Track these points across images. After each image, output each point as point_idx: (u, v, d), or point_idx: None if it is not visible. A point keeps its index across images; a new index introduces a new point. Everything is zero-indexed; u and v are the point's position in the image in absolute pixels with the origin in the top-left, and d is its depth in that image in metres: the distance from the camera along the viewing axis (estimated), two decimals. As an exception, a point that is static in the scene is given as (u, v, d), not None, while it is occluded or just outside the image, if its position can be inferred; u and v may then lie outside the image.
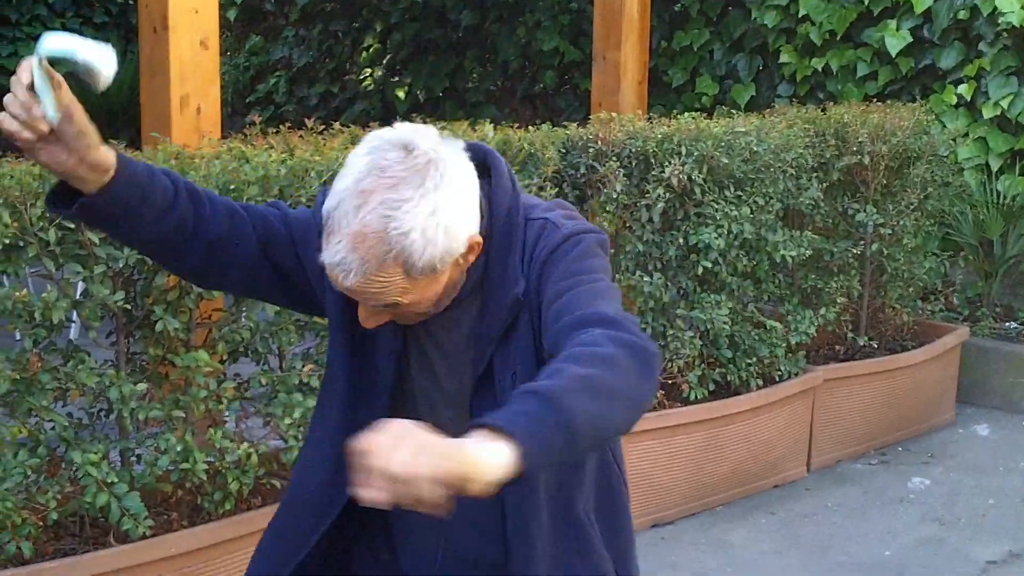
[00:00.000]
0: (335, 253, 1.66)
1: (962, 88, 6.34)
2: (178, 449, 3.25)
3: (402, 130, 1.71)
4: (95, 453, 3.12)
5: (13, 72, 1.74)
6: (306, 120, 4.01)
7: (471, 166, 1.75)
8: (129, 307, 3.29)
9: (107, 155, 1.73)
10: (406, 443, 1.36)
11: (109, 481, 3.11)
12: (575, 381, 1.50)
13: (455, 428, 1.53)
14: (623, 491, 1.99)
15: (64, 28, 9.48)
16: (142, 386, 3.26)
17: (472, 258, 1.77)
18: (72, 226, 3.09)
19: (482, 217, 1.78)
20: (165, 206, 1.80)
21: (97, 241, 3.13)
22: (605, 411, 1.52)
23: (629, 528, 2.00)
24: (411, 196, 1.65)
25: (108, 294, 3.16)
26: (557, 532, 1.87)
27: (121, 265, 3.18)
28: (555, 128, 4.58)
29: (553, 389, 1.47)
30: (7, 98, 1.68)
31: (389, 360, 1.87)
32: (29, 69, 1.68)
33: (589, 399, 1.49)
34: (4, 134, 1.70)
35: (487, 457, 1.38)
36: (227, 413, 3.48)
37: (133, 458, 3.35)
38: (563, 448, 1.46)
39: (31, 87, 1.67)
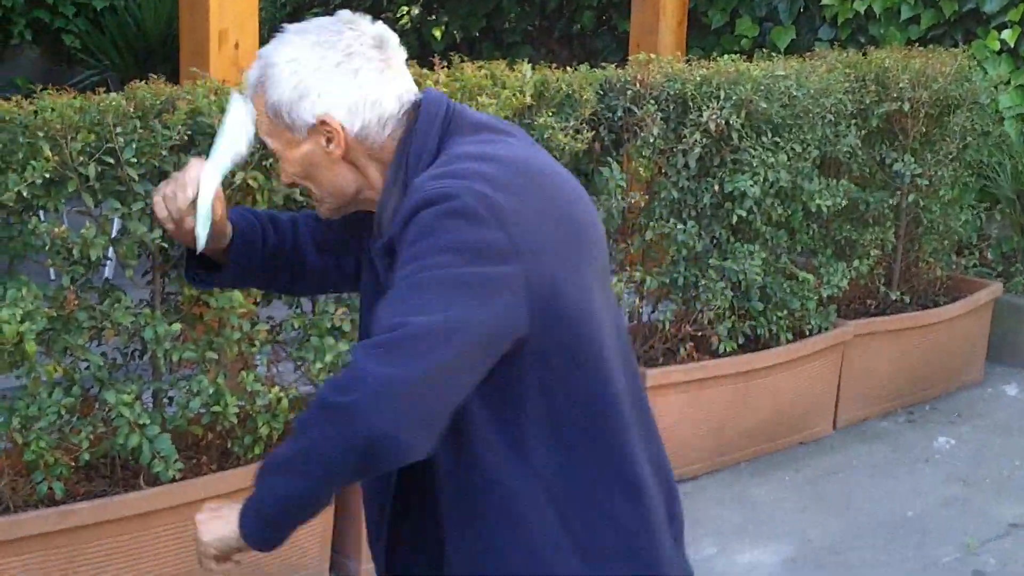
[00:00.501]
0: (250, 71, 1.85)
1: (1006, 33, 6.21)
2: (210, 391, 3.25)
3: (375, 24, 1.88)
4: (128, 394, 3.12)
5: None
6: (343, 57, 3.94)
7: (393, 75, 1.82)
8: (166, 245, 3.27)
9: (229, 230, 1.96)
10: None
11: (141, 423, 3.12)
12: (278, 462, 1.66)
13: None
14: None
15: None
16: (176, 326, 3.25)
17: (334, 149, 1.79)
18: (112, 161, 3.07)
19: (374, 138, 1.80)
20: (265, 247, 2.01)
21: (136, 177, 3.10)
22: (292, 486, 1.64)
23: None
24: (295, 41, 1.81)
25: (145, 231, 3.14)
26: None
27: (157, 204, 3.15)
28: (593, 69, 4.51)
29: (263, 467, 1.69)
30: (167, 191, 1.89)
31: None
32: (196, 183, 1.87)
33: (278, 478, 1.65)
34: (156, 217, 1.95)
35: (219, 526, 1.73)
36: (259, 356, 3.47)
37: (165, 400, 3.35)
38: (258, 526, 1.69)
39: (193, 201, 1.86)
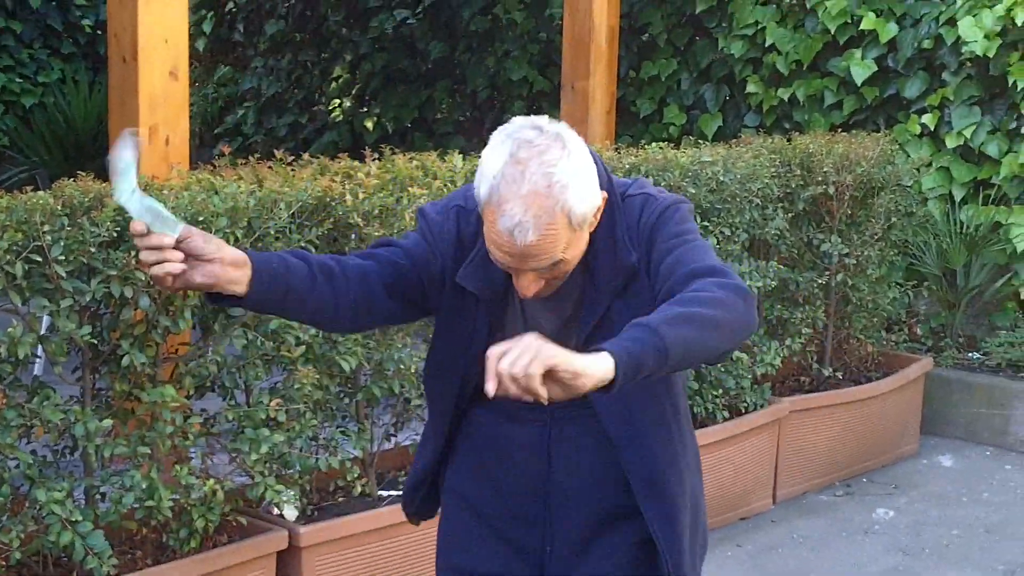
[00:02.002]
0: (512, 218, 1.95)
1: (926, 118, 6.41)
2: (143, 486, 3.23)
3: (520, 120, 2.05)
4: (59, 491, 3.10)
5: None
6: (275, 151, 4.01)
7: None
8: (95, 342, 3.28)
9: (236, 250, 1.98)
10: (526, 349, 1.74)
11: (73, 519, 3.09)
12: (674, 315, 1.88)
13: None
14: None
15: (31, 59, 9.38)
16: (108, 422, 3.24)
17: (599, 217, 2.07)
18: (39, 259, 3.08)
19: None
20: (305, 291, 2.06)
21: (64, 274, 3.11)
22: (698, 338, 1.88)
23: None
24: (560, 157, 1.98)
25: (74, 328, 3.15)
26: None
27: (88, 299, 3.17)
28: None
29: (652, 320, 1.87)
30: (142, 255, 1.92)
31: (489, 328, 2.18)
32: (137, 224, 1.89)
33: (685, 328, 1.86)
34: (160, 284, 1.93)
35: (591, 360, 1.78)
36: (193, 449, 3.46)
37: (98, 496, 3.33)
38: (655, 364, 1.84)
39: (147, 231, 1.88)
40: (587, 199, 2.01)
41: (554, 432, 2.21)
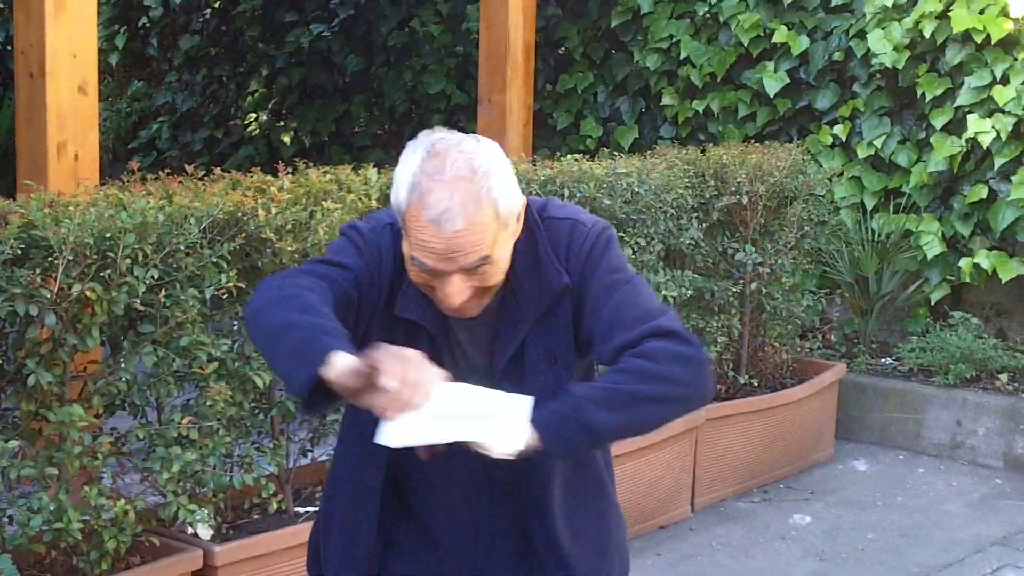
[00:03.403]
0: (437, 204, 1.87)
1: (837, 128, 6.52)
2: (51, 508, 3.16)
3: (428, 130, 1.99)
4: (-36, 514, 3.03)
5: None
6: (187, 166, 3.96)
7: None
8: (0, 361, 3.21)
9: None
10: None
11: (-21, 543, 3.03)
12: (611, 392, 1.88)
13: None
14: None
15: None
16: (14, 443, 3.17)
17: (518, 228, 1.99)
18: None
19: None
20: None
21: (-34, 295, 3.05)
22: (630, 419, 1.88)
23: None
24: (477, 148, 1.93)
25: (-22, 349, 3.09)
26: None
27: (-9, 319, 3.11)
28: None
29: (587, 396, 1.88)
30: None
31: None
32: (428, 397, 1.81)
33: (616, 410, 1.86)
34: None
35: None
36: (103, 469, 3.40)
37: (5, 519, 3.25)
38: (581, 443, 1.88)
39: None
40: (510, 195, 1.94)
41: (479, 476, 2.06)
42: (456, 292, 1.93)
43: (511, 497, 2.07)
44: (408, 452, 1.94)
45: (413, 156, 1.93)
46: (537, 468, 2.03)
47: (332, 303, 1.94)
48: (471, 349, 2.06)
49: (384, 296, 2.03)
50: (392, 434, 1.82)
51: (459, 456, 1.94)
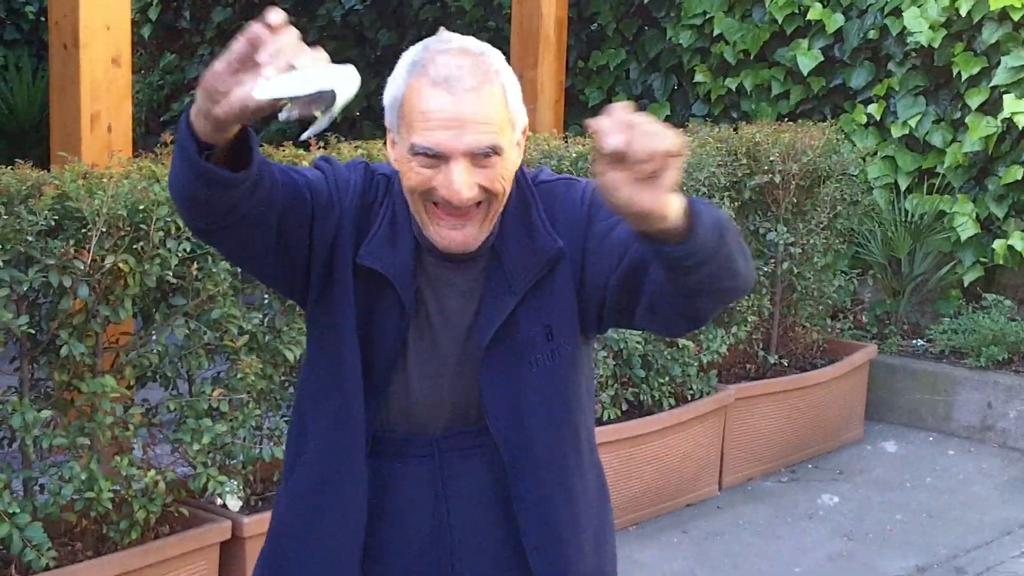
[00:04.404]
0: (445, 66, 1.73)
1: (872, 107, 6.46)
2: (83, 477, 3.20)
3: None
4: (-3, 482, 3.06)
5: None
6: (218, 140, 3.96)
7: None
8: (33, 331, 3.24)
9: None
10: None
11: (11, 511, 3.06)
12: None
13: (455, 395, 1.83)
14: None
15: None
16: (46, 413, 3.20)
17: (519, 156, 1.81)
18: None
19: None
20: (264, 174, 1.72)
21: (1, 264, 3.07)
22: (732, 259, 1.66)
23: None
24: (485, 49, 1.78)
25: (11, 318, 3.11)
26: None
27: (25, 288, 3.13)
28: (470, 147, 4.58)
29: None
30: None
31: (394, 334, 1.85)
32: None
33: (736, 241, 1.68)
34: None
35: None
36: (134, 440, 3.43)
37: (36, 487, 3.29)
38: (715, 246, 1.61)
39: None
40: (518, 98, 1.79)
41: (445, 470, 1.89)
42: (462, 181, 1.73)
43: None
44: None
45: (411, 50, 1.80)
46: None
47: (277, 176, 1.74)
48: (442, 319, 1.86)
49: (345, 230, 1.82)
50: (263, 87, 1.55)
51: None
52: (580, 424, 1.95)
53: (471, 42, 1.79)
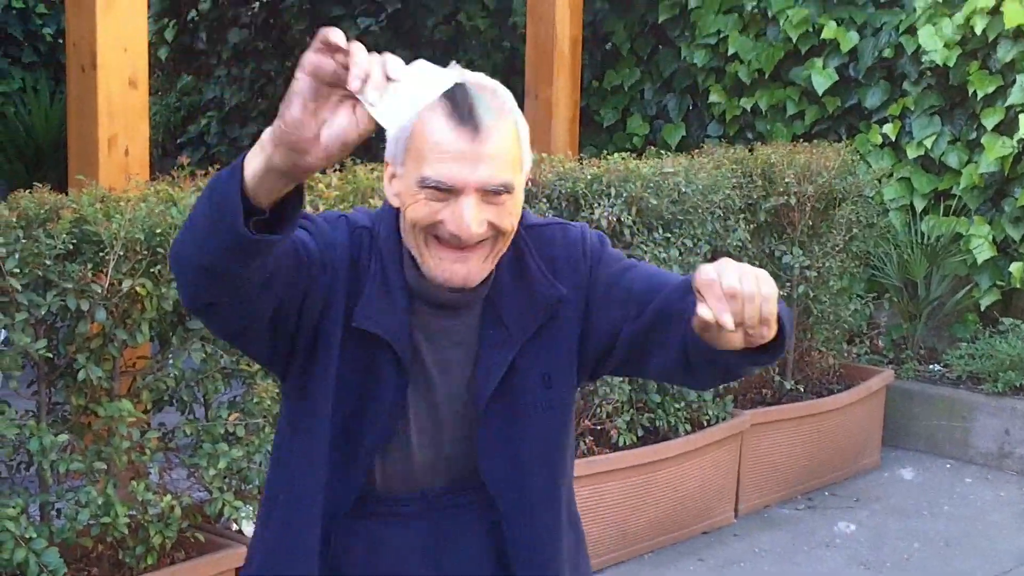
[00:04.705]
0: (462, 100, 1.68)
1: (887, 127, 6.44)
2: (99, 502, 3.18)
3: None
4: (13, 507, 3.05)
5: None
6: (235, 162, 3.96)
7: None
8: (51, 355, 3.24)
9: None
10: (745, 270, 1.51)
11: (27, 536, 3.04)
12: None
13: (454, 448, 1.80)
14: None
15: None
16: (63, 437, 3.20)
17: (521, 198, 1.77)
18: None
19: None
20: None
21: (19, 288, 3.06)
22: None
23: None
24: (498, 87, 1.76)
25: (29, 342, 3.11)
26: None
27: (43, 312, 3.13)
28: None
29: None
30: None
31: (393, 391, 1.78)
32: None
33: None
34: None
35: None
36: (150, 464, 3.42)
37: (53, 512, 3.27)
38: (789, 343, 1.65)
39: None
40: (527, 135, 1.77)
41: (441, 525, 1.84)
42: (472, 216, 1.67)
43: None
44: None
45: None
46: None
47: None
48: (439, 372, 1.81)
49: (336, 293, 1.74)
50: (383, 116, 1.43)
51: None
52: (569, 472, 1.93)
53: (484, 77, 1.77)
